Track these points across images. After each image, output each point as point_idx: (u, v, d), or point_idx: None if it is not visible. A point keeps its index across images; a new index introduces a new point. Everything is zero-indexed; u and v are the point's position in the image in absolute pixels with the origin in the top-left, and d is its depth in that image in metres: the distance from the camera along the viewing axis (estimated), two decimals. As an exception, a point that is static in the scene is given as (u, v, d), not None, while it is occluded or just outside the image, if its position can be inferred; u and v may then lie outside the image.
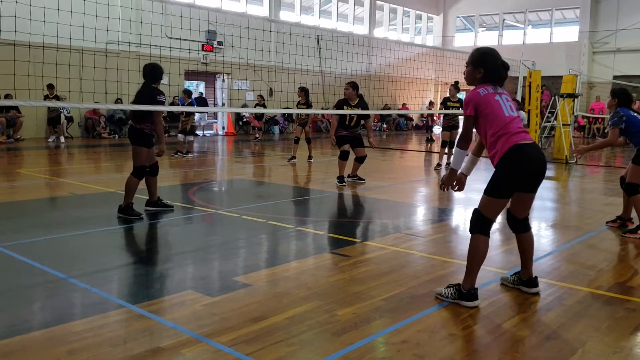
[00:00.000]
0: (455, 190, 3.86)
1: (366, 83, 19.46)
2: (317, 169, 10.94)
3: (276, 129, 21.28)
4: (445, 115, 11.25)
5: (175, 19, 10.04)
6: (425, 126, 23.31)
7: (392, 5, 26.37)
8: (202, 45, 17.89)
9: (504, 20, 26.40)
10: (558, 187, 9.92)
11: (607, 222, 6.18)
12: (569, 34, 24.58)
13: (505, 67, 3.73)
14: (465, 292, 3.56)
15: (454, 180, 3.78)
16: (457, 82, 11.37)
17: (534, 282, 3.82)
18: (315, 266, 4.48)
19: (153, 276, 4.26)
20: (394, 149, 16.73)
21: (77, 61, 11.26)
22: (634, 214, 5.84)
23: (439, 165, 11.21)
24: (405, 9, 27.20)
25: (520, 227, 3.78)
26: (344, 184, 8.53)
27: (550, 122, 13.68)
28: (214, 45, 18.34)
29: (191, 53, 17.24)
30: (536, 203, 7.61)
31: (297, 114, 12.93)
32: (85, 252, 4.76)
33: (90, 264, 4.36)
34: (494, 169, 3.60)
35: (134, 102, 6.03)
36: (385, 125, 25.25)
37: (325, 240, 5.46)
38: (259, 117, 18.86)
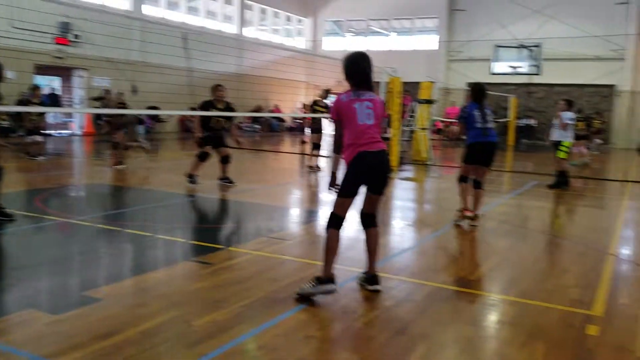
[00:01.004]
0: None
1: (237, 84, 19.25)
2: (180, 172, 10.58)
3: (141, 128, 20.25)
4: (313, 118, 11.51)
5: (22, 9, 9.10)
6: (298, 128, 23.66)
7: (261, 6, 26.37)
8: (55, 38, 16.40)
9: (369, 26, 27.68)
10: (416, 187, 10.61)
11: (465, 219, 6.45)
12: (430, 42, 26.36)
13: (364, 71, 3.84)
14: (323, 279, 3.73)
15: (334, 182, 3.94)
16: (329, 90, 11.75)
17: (373, 279, 4.00)
18: (174, 276, 4.33)
19: (-13, 295, 3.83)
20: (267, 150, 16.77)
21: None
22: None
23: (310, 167, 11.43)
24: (274, 10, 27.36)
25: (368, 222, 4.01)
26: (195, 182, 8.37)
27: (410, 126, 14.54)
28: (70, 39, 16.92)
29: (42, 45, 15.77)
30: (396, 203, 8.07)
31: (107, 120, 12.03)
32: None
33: None
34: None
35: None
36: (259, 127, 25.21)
37: (187, 248, 5.29)
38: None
